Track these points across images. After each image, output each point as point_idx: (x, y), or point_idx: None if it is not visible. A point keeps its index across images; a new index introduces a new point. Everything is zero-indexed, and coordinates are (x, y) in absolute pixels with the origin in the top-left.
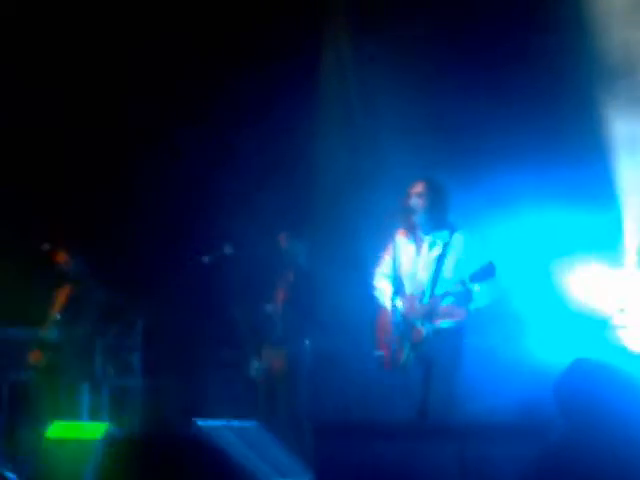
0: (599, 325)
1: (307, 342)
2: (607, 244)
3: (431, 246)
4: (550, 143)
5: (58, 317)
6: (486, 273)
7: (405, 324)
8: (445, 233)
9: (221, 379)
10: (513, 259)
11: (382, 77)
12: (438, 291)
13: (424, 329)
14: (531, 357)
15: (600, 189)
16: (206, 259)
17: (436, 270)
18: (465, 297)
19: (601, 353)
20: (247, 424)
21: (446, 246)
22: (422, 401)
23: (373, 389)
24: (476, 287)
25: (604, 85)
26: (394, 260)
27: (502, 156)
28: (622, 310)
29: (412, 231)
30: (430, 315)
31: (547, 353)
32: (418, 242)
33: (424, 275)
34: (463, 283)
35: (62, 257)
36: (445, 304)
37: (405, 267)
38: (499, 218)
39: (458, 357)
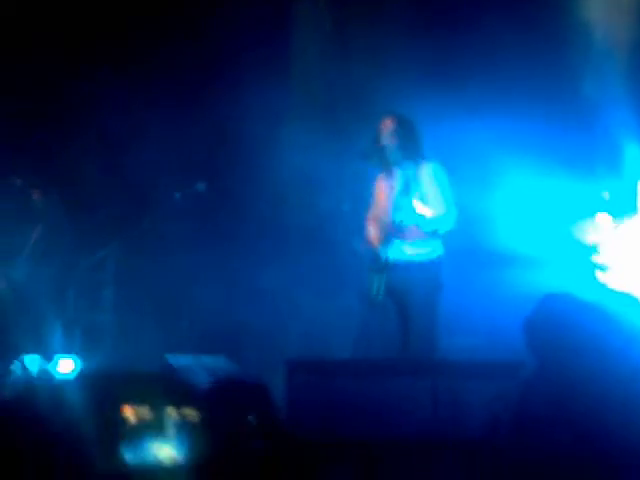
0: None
1: None
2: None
3: (401, 178)
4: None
5: (27, 254)
6: None
7: (374, 254)
8: (415, 163)
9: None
10: (491, 193)
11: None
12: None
13: (386, 253)
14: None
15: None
16: (178, 195)
17: (400, 197)
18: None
19: (579, 289)
20: (216, 358)
21: (413, 174)
22: (400, 338)
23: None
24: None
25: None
26: (374, 201)
27: (484, 98)
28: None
29: (387, 168)
30: (391, 237)
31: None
32: (391, 178)
33: (392, 205)
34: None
35: (36, 194)
36: (404, 224)
37: (380, 204)
38: (474, 154)
39: (434, 292)
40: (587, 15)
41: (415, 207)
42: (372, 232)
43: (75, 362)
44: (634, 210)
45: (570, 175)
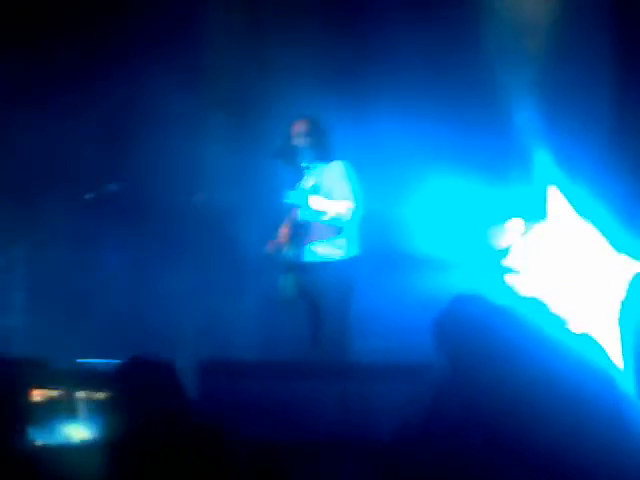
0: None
1: None
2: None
3: (309, 177)
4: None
5: None
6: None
7: (282, 255)
8: (324, 163)
9: None
10: (406, 196)
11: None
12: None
13: (293, 252)
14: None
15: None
16: (90, 196)
17: (306, 195)
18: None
19: (489, 292)
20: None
21: (320, 173)
22: (312, 338)
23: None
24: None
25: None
26: None
27: (398, 102)
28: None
29: (298, 169)
30: (299, 237)
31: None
32: (302, 177)
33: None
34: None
35: None
36: (313, 222)
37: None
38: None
39: (345, 292)
40: (502, 17)
41: (316, 203)
42: (283, 233)
43: None
44: (544, 215)
45: (482, 180)
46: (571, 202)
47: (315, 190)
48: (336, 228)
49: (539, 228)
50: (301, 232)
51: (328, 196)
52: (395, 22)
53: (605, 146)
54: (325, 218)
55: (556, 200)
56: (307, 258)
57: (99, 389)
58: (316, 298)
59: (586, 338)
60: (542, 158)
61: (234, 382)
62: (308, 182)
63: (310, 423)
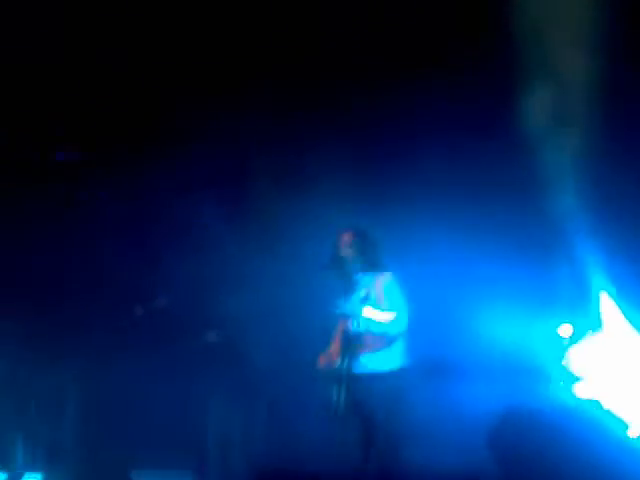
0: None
1: None
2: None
3: (359, 288)
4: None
5: None
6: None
7: (335, 369)
8: (374, 274)
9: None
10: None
11: None
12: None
13: (348, 364)
14: (466, 405)
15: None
16: (139, 310)
17: (358, 308)
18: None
19: (538, 403)
20: (182, 475)
21: (371, 284)
22: (363, 451)
23: (312, 437)
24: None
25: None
26: None
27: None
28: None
29: (346, 279)
30: (349, 348)
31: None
32: (351, 289)
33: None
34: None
35: None
36: (364, 333)
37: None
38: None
39: (394, 403)
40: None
41: (368, 313)
42: (334, 347)
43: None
44: (599, 324)
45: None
46: (623, 311)
47: (366, 301)
48: (387, 339)
49: (595, 336)
50: (353, 344)
51: (378, 307)
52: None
53: None
54: (377, 329)
55: (609, 309)
56: (358, 370)
57: None
58: (367, 410)
59: None
60: (596, 272)
61: None
62: (359, 293)
63: None
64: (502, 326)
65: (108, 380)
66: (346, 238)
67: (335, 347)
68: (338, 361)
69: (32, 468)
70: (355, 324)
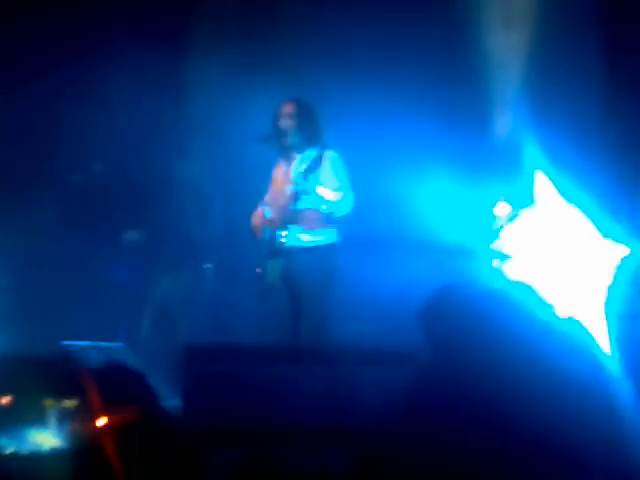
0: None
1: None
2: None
3: (300, 162)
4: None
5: None
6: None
7: (270, 238)
8: (314, 150)
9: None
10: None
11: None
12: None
13: (285, 238)
14: (402, 281)
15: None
16: (75, 177)
17: (297, 182)
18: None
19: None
20: (113, 345)
21: (314, 161)
22: (293, 324)
23: (248, 310)
24: (324, 191)
25: None
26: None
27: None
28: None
29: (285, 152)
30: (286, 220)
31: (415, 277)
32: (289, 162)
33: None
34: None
35: None
36: (300, 208)
37: (276, 187)
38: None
39: (325, 278)
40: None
41: (314, 190)
42: (269, 216)
43: None
44: (531, 201)
45: (470, 166)
46: (558, 188)
47: (307, 176)
48: (326, 216)
49: (527, 213)
50: (291, 218)
51: (321, 183)
52: (382, 15)
53: (591, 136)
54: (324, 208)
55: (543, 186)
56: (294, 243)
57: (71, 394)
58: (297, 283)
59: (573, 321)
60: (530, 147)
61: (220, 367)
62: (299, 167)
63: (294, 408)
64: (433, 201)
65: (45, 249)
66: (287, 109)
67: (273, 217)
68: (274, 233)
69: None
70: (304, 200)
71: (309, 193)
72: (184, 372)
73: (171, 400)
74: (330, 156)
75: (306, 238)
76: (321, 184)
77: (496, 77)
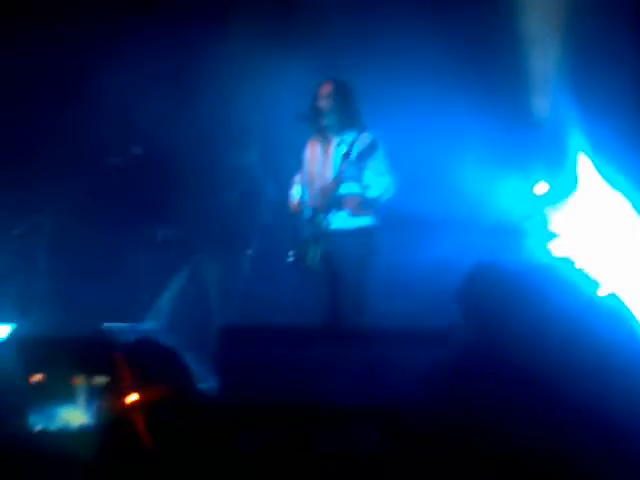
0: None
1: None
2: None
3: (338, 145)
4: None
5: None
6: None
7: (311, 222)
8: (353, 132)
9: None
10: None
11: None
12: (339, 185)
13: (326, 222)
14: (438, 260)
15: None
16: (115, 160)
17: (340, 166)
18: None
19: (510, 259)
20: (152, 326)
21: (352, 144)
22: (332, 306)
23: (285, 293)
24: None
25: None
26: (304, 164)
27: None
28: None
29: (322, 133)
30: (330, 205)
31: (453, 256)
32: (326, 143)
33: (329, 173)
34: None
35: None
36: (345, 193)
37: (313, 169)
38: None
39: (366, 259)
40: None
41: (360, 176)
42: (307, 199)
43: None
44: (575, 184)
45: (512, 155)
46: (600, 172)
47: (349, 160)
48: (370, 200)
49: (571, 196)
50: (335, 202)
51: (364, 168)
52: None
53: (629, 122)
54: (369, 193)
55: (586, 170)
56: (337, 227)
57: (101, 373)
58: (337, 264)
59: (614, 297)
60: (572, 131)
61: (256, 348)
62: (340, 150)
63: (334, 387)
64: (476, 181)
65: (81, 233)
66: (326, 89)
67: (314, 200)
68: (318, 216)
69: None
70: (342, 185)
71: (354, 179)
72: (221, 353)
73: (207, 381)
74: (372, 140)
75: (349, 222)
76: (366, 169)
77: (536, 62)
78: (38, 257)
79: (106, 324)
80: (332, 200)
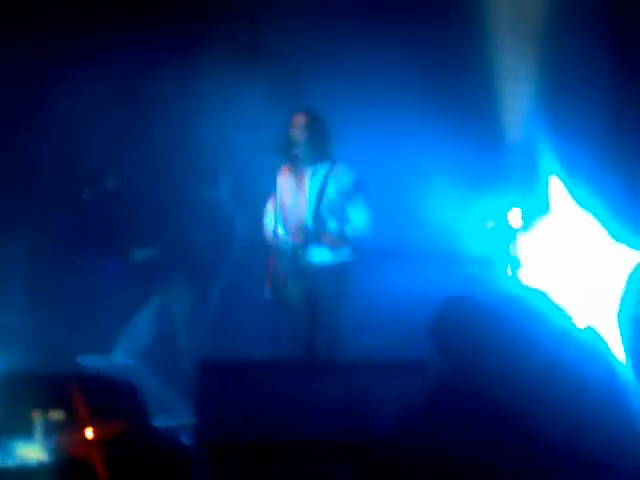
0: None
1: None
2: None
3: (312, 177)
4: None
5: None
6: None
7: (289, 255)
8: (326, 164)
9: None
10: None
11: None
12: (317, 221)
13: (305, 257)
14: (412, 293)
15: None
16: (87, 194)
17: (316, 200)
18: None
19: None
20: (123, 358)
21: (326, 177)
22: (308, 339)
23: (260, 326)
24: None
25: None
26: (277, 196)
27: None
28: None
29: (294, 164)
30: (310, 241)
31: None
32: (299, 175)
33: (305, 207)
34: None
35: None
36: (323, 229)
37: (287, 201)
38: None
39: (342, 294)
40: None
41: (336, 211)
42: (287, 232)
43: None
44: (547, 209)
45: (482, 176)
46: (572, 195)
47: (322, 195)
48: (348, 234)
49: (543, 221)
50: (311, 237)
51: (337, 203)
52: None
53: (602, 143)
54: (348, 229)
55: (558, 193)
56: (316, 262)
57: (59, 408)
58: (316, 299)
59: (588, 329)
60: (544, 154)
61: (234, 382)
62: (313, 183)
63: (309, 421)
64: (447, 209)
65: (58, 263)
66: (299, 120)
67: (292, 235)
68: (296, 251)
69: None
70: (318, 222)
71: (332, 214)
72: (197, 388)
73: (181, 415)
74: (343, 170)
75: (328, 258)
76: (346, 206)
77: (508, 83)
78: (12, 291)
79: (78, 357)
80: (310, 236)
